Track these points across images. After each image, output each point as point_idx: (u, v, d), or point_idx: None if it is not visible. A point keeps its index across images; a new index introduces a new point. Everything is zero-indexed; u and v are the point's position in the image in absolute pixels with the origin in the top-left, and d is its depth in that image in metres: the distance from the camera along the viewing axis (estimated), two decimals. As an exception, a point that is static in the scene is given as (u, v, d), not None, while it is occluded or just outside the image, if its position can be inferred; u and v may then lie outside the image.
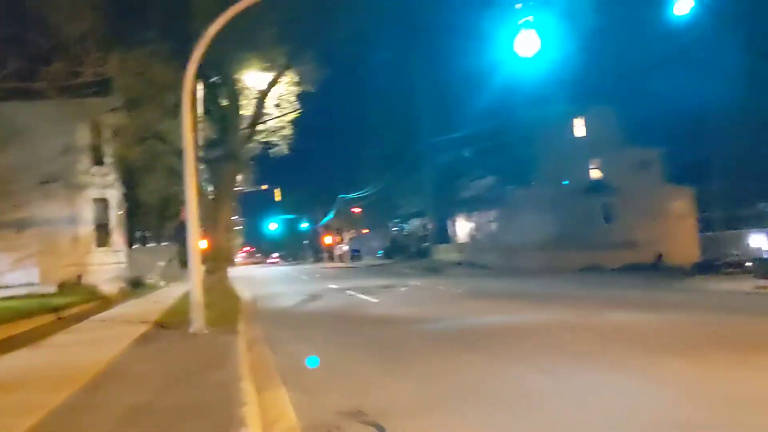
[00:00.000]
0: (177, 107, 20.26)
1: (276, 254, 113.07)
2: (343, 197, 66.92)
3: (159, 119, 19.36)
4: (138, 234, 40.91)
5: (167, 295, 22.55)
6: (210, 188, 22.57)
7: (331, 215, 72.78)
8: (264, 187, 48.65)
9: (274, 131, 23.92)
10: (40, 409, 5.68)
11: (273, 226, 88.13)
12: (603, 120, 43.30)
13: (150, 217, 38.13)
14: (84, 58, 13.74)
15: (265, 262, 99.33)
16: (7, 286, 18.92)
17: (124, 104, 19.65)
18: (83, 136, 24.06)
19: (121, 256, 27.29)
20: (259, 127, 22.94)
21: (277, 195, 63.62)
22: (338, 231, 77.42)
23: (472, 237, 52.08)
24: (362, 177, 58.49)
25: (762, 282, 20.09)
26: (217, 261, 19.08)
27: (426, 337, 11.40)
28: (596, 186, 43.55)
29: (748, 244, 30.38)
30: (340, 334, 12.27)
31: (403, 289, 23.19)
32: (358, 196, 61.60)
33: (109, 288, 21.55)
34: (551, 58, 17.62)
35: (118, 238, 26.39)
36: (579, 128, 44.02)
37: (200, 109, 19.51)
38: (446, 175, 46.39)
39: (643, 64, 44.97)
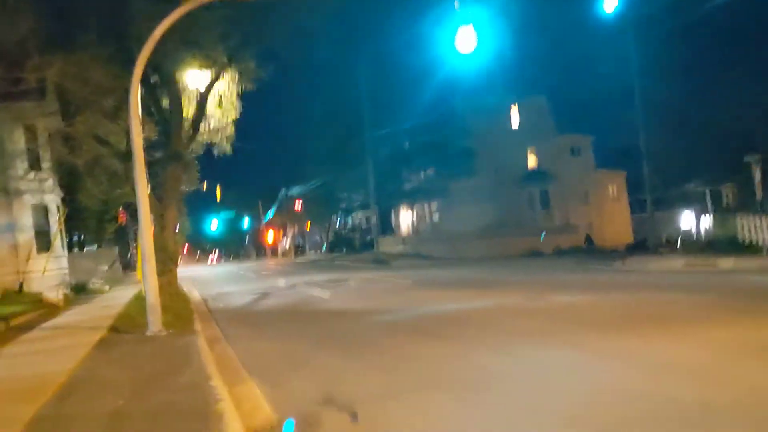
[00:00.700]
0: (117, 110, 20.08)
1: (215, 253, 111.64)
2: (285, 193, 66.66)
3: (99, 122, 19.05)
4: (75, 238, 39.99)
5: (114, 299, 22.26)
6: (149, 190, 22.25)
7: (273, 211, 72.38)
8: (204, 185, 47.91)
9: (216, 131, 23.75)
10: (16, 422, 5.77)
11: (214, 224, 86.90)
12: (537, 109, 44.63)
13: (89, 221, 37.30)
14: (24, 64, 13.49)
15: (206, 262, 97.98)
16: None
17: (62, 108, 19.27)
18: (18, 140, 23.47)
19: (63, 261, 26.73)
20: (202, 127, 22.73)
21: (218, 193, 62.84)
22: (281, 227, 77.10)
23: (415, 228, 52.84)
24: (304, 172, 58.50)
25: (691, 260, 21.31)
26: (165, 263, 18.90)
27: (383, 327, 11.79)
28: (533, 174, 44.90)
29: (678, 224, 31.97)
30: (297, 330, 12.51)
31: (352, 282, 23.50)
32: (300, 192, 61.48)
33: (53, 295, 21.09)
34: (487, 51, 18.18)
35: (58, 243, 25.85)
36: (515, 118, 45.21)
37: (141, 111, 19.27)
38: (388, 167, 46.88)
39: (573, 55, 46.52)
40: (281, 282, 27.36)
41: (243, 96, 23.61)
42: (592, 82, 47.55)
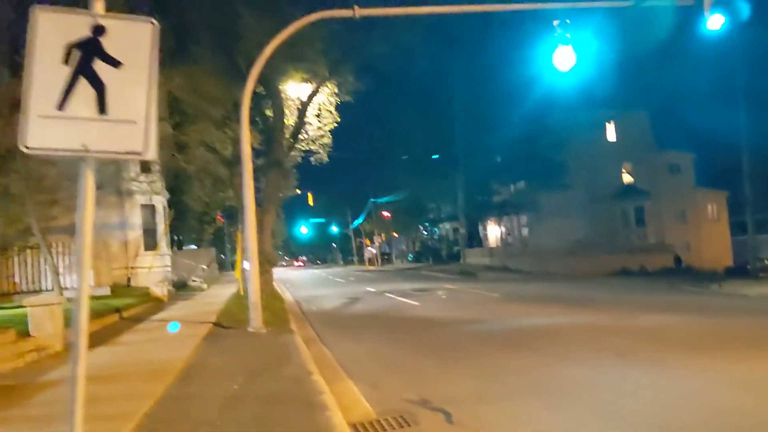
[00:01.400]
0: (225, 119, 21.34)
1: (302, 258, 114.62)
2: (374, 201, 67.73)
3: (208, 131, 20.33)
4: (175, 237, 42.29)
5: (213, 296, 23.57)
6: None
7: (361, 219, 73.66)
8: (297, 191, 49.47)
9: (314, 140, 24.77)
10: (149, 397, 6.54)
11: (304, 230, 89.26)
12: (634, 124, 43.54)
13: (191, 222, 39.39)
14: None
15: (292, 266, 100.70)
16: (66, 288, 19.94)
17: (172, 116, 20.60)
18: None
19: (167, 259, 28.42)
20: (300, 136, 23.79)
21: (310, 199, 64.64)
22: (369, 234, 78.32)
23: (503, 241, 52.51)
24: (394, 182, 59.26)
25: (795, 286, 20.37)
26: (262, 264, 19.90)
27: (473, 337, 12.09)
28: (628, 190, 43.75)
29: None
30: (390, 335, 12.98)
31: (440, 293, 23.84)
32: (389, 201, 62.34)
33: (158, 290, 22.56)
34: (586, 67, 18.06)
35: (164, 242, 27.54)
36: (611, 133, 44.29)
37: (247, 121, 20.43)
38: (478, 180, 46.82)
39: (677, 71, 45.10)
40: (370, 288, 28.03)
41: (339, 107, 24.61)
42: (696, 99, 45.98)
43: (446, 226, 66.45)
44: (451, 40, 39.86)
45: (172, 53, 17.17)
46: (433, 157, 46.83)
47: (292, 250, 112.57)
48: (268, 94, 21.24)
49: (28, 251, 22.07)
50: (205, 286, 30.46)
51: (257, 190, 21.41)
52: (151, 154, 3.27)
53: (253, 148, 22.79)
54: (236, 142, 21.82)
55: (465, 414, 6.29)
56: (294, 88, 22.90)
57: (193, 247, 43.70)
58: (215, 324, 13.78)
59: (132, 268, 25.33)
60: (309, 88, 22.39)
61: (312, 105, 23.40)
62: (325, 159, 25.39)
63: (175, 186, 29.83)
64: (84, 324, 3.27)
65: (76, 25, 3.23)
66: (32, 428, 5.76)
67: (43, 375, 8.28)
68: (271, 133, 21.11)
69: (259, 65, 13.37)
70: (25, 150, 3.09)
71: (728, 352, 9.26)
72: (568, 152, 40.21)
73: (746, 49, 29.00)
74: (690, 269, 36.53)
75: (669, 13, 16.40)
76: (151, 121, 3.27)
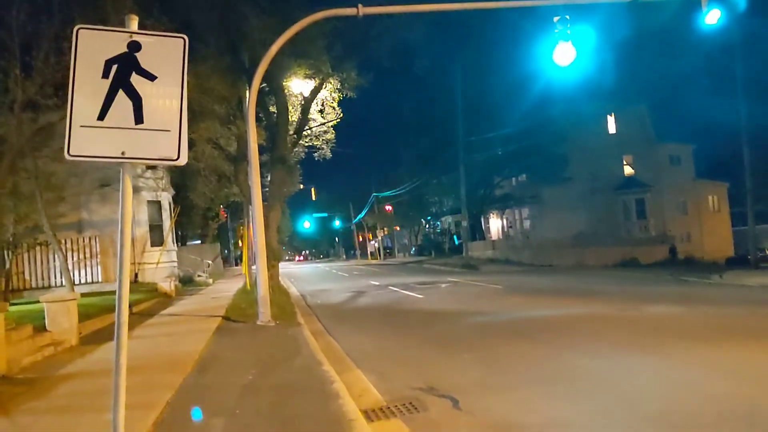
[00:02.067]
0: (230, 116, 21.61)
1: (303, 253, 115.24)
2: (377, 195, 68.01)
3: (213, 128, 20.59)
4: (180, 233, 42.60)
5: (219, 291, 23.88)
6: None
7: (363, 213, 73.96)
8: (300, 186, 49.79)
9: (317, 136, 25.06)
10: (169, 387, 6.85)
11: (307, 224, 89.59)
12: (635, 117, 43.74)
13: (195, 218, 39.66)
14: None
15: (294, 260, 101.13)
16: (76, 284, 20.26)
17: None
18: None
19: (173, 255, 28.74)
20: (304, 132, 24.07)
21: (313, 194, 64.98)
22: (371, 228, 78.66)
23: (506, 234, 52.81)
24: (396, 176, 59.55)
25: (794, 276, 20.63)
26: (268, 259, 20.21)
27: (478, 328, 12.37)
28: (629, 182, 43.99)
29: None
30: (395, 327, 13.28)
31: (443, 285, 24.12)
32: (391, 194, 62.62)
33: (166, 285, 22.84)
34: (586, 61, 18.25)
35: (171, 238, 27.85)
36: (611, 125, 44.51)
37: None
38: (480, 173, 47.14)
39: (673, 63, 45.21)
40: (373, 282, 28.33)
41: (342, 102, 24.90)
42: (695, 92, 46.11)
43: (448, 220, 66.75)
44: (453, 35, 40.25)
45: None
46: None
47: (295, 245, 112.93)
48: (272, 90, 21.50)
49: (38, 248, 22.40)
50: (210, 281, 30.78)
51: (262, 187, 21.76)
52: (183, 159, 3.55)
53: (257, 145, 23.15)
54: (241, 139, 22.17)
55: (472, 401, 6.59)
56: (297, 85, 23.16)
57: (198, 242, 43.99)
58: (224, 318, 14.08)
59: (139, 264, 25.63)
60: (312, 84, 22.66)
61: (315, 101, 23.68)
62: (329, 154, 25.73)
63: (181, 182, 30.13)
64: (125, 317, 3.56)
65: (114, 42, 3.51)
66: (60, 418, 6.05)
67: (61, 368, 8.57)
68: (275, 130, 21.36)
69: (264, 64, 13.62)
70: (68, 157, 3.38)
71: (728, 342, 9.56)
72: (569, 145, 40.48)
73: (746, 39, 29.20)
74: (691, 260, 36.82)
75: (667, 6, 16.62)
76: (183, 130, 3.55)
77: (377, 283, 27.14)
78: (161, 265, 25.96)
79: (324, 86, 23.23)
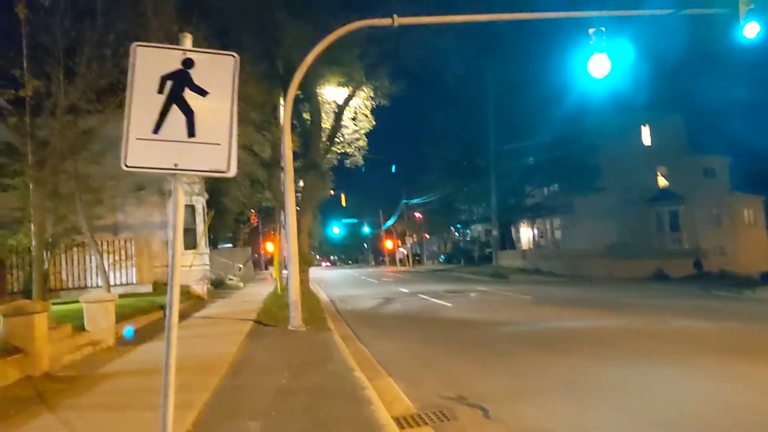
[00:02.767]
0: (264, 122, 21.92)
1: (332, 258, 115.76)
2: (406, 202, 68.10)
3: (248, 133, 20.93)
4: (212, 236, 43.20)
5: (250, 294, 24.20)
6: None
7: (393, 220, 74.10)
8: (331, 192, 50.15)
9: (350, 143, 25.29)
10: (206, 389, 7.04)
11: (336, 230, 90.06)
12: (670, 128, 43.24)
13: (227, 221, 40.23)
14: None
15: (320, 266, 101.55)
16: (112, 285, 20.70)
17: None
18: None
19: (206, 258, 29.14)
20: (336, 139, 24.33)
21: (343, 200, 65.32)
22: (400, 235, 78.76)
23: (536, 244, 52.50)
24: (426, 183, 59.58)
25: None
26: (301, 265, 20.47)
27: (507, 338, 12.40)
28: (662, 194, 43.46)
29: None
30: (424, 335, 13.36)
31: (472, 294, 24.12)
32: (421, 202, 62.68)
33: (198, 288, 23.23)
34: (621, 72, 18.14)
35: (204, 241, 28.26)
36: (645, 136, 44.04)
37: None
38: (511, 182, 46.99)
39: (711, 74, 44.64)
40: (402, 289, 28.41)
41: (374, 109, 25.11)
42: (733, 104, 45.45)
43: (478, 228, 66.58)
44: (486, 44, 40.15)
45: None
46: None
47: (324, 250, 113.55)
48: (306, 98, 21.79)
49: (74, 249, 22.95)
50: (241, 284, 31.16)
51: (295, 192, 22.06)
52: (233, 171, 3.72)
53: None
54: (274, 145, 22.50)
55: (501, 410, 6.66)
56: (331, 92, 23.45)
57: (229, 246, 44.55)
58: (256, 321, 14.29)
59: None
60: (345, 91, 22.92)
61: (348, 108, 23.95)
62: (361, 162, 25.93)
63: (214, 186, 30.59)
64: (175, 319, 3.74)
65: (169, 59, 3.70)
66: (103, 414, 6.27)
67: (101, 367, 8.82)
68: (308, 137, 21.67)
69: (300, 73, 13.85)
70: (124, 168, 3.57)
71: (759, 357, 9.47)
72: (603, 155, 40.17)
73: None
74: (724, 274, 36.20)
75: (705, 18, 16.46)
76: (233, 143, 3.72)
77: (406, 291, 27.23)
78: (194, 268, 26.34)
79: (357, 94, 23.49)
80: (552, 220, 49.22)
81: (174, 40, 3.99)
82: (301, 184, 22.80)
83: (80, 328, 10.95)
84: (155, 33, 16.13)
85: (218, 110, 3.76)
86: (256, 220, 50.79)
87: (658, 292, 25.22)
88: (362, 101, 24.49)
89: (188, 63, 3.72)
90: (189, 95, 3.69)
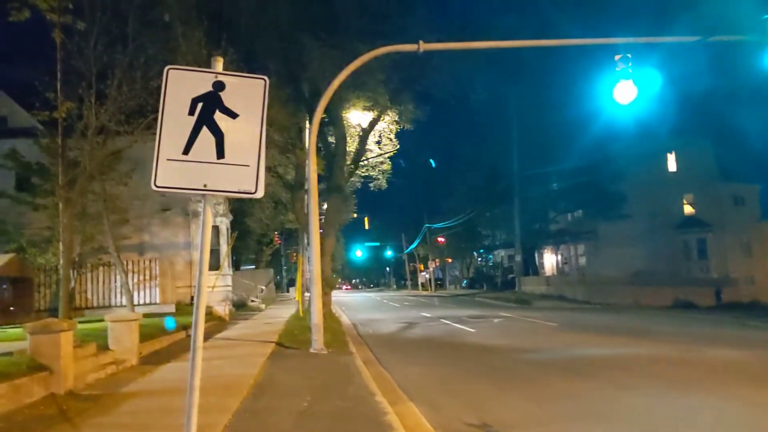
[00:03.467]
0: (288, 144, 22.12)
1: (353, 281, 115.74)
2: (429, 226, 68.00)
3: (274, 156, 21.14)
4: (234, 258, 43.46)
5: (272, 316, 24.24)
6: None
7: (416, 243, 73.98)
8: (354, 215, 50.27)
9: (374, 166, 25.43)
10: (226, 411, 7.02)
11: (359, 253, 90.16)
12: (696, 155, 42.80)
13: (250, 243, 40.47)
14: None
15: (340, 288, 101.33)
16: (136, 305, 20.91)
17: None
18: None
19: (229, 279, 29.31)
20: (361, 162, 24.47)
21: (366, 223, 65.52)
22: (422, 259, 78.54)
23: (560, 270, 52.00)
24: (449, 207, 59.50)
25: None
26: (322, 287, 20.47)
27: (532, 364, 12.25)
28: (689, 221, 42.88)
29: None
30: (447, 360, 13.24)
31: (496, 320, 23.89)
32: (443, 226, 62.54)
33: (221, 309, 23.33)
34: (648, 99, 18.00)
35: (227, 263, 28.44)
36: (672, 163, 43.62)
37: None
38: (534, 208, 46.77)
39: (740, 101, 44.18)
40: (425, 314, 28.25)
41: (399, 134, 25.26)
42: (762, 132, 44.88)
43: (501, 253, 66.16)
44: (510, 68, 40.18)
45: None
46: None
47: (346, 273, 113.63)
48: (331, 121, 21.98)
49: (100, 268, 23.25)
50: (263, 306, 31.26)
51: (318, 215, 22.15)
52: (260, 193, 3.76)
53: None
54: (299, 167, 22.68)
55: (525, 438, 6.55)
56: (355, 116, 23.65)
57: (252, 267, 44.75)
58: (278, 344, 14.29)
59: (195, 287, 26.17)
60: (370, 115, 23.09)
61: (373, 132, 24.11)
62: (384, 185, 26.07)
63: (238, 208, 30.85)
64: (200, 341, 3.76)
65: (200, 82, 3.77)
66: (125, 434, 6.29)
67: (124, 386, 8.87)
68: (332, 159, 21.80)
69: (326, 97, 13.96)
70: (154, 188, 3.61)
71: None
72: (628, 182, 39.85)
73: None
74: (756, 304, 35.46)
75: (734, 46, 16.34)
76: (261, 165, 3.76)
77: (428, 315, 27.07)
78: (216, 288, 26.47)
79: (382, 118, 23.65)
80: (576, 246, 48.77)
81: (202, 64, 4.06)
82: (325, 206, 22.90)
83: (104, 347, 11.04)
84: (184, 57, 16.46)
85: (247, 132, 3.80)
86: (279, 241, 51.02)
87: (686, 320, 24.75)
88: (387, 125, 24.66)
89: (219, 86, 3.77)
90: (219, 117, 3.75)
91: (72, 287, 20.14)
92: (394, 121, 24.25)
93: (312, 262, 14.01)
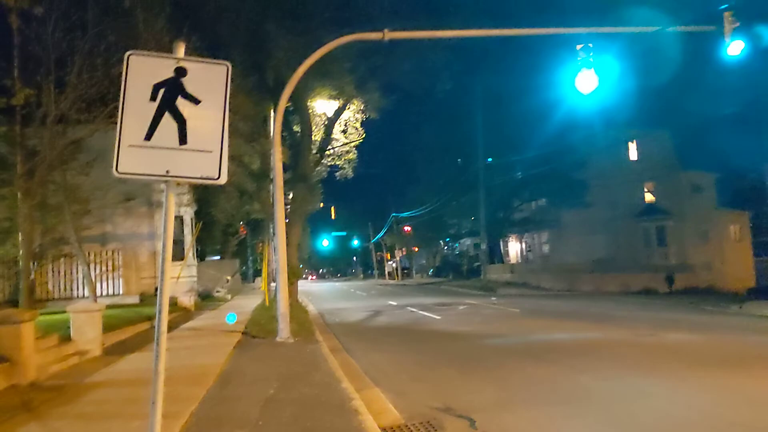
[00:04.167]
0: (253, 133, 21.94)
1: (320, 270, 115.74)
2: (396, 216, 68.19)
3: (239, 145, 20.93)
4: (199, 248, 42.99)
5: (238, 306, 24.09)
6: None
7: (382, 233, 74.14)
8: (320, 204, 50.12)
9: (340, 155, 25.38)
10: (193, 399, 7.03)
11: (326, 242, 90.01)
12: (657, 144, 43.57)
13: (215, 233, 40.05)
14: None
15: (308, 279, 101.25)
16: (99, 296, 20.58)
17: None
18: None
19: (194, 270, 29.04)
20: (327, 152, 24.40)
21: (332, 213, 65.40)
22: (389, 249, 78.78)
23: (524, 258, 52.66)
24: (415, 197, 59.72)
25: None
26: (288, 277, 20.43)
27: (494, 350, 12.44)
28: (649, 209, 43.72)
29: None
30: (412, 347, 13.36)
31: (461, 307, 24.14)
32: (410, 215, 62.79)
33: (186, 300, 23.13)
34: (608, 88, 18.29)
35: (191, 253, 28.17)
36: (633, 152, 44.38)
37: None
38: (499, 197, 47.24)
39: (698, 91, 45.15)
40: (391, 302, 28.40)
41: (364, 122, 25.23)
42: (719, 120, 45.90)
43: (467, 242, 66.71)
44: (475, 58, 40.50)
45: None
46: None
47: (313, 263, 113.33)
48: (296, 110, 21.86)
49: (61, 259, 22.80)
50: (229, 296, 31.06)
51: (284, 204, 22.05)
52: (224, 179, 3.77)
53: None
54: (264, 156, 22.51)
55: (488, 421, 6.68)
56: (321, 104, 23.54)
57: (217, 258, 44.35)
58: (244, 333, 14.28)
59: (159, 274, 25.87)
60: (336, 104, 23.01)
61: (339, 121, 24.05)
62: (350, 174, 26.04)
63: (203, 198, 30.50)
64: (164, 326, 3.76)
65: (161, 67, 3.75)
66: (90, 424, 6.24)
67: (87, 377, 8.78)
68: (298, 149, 21.69)
69: (291, 85, 13.92)
70: (116, 174, 3.60)
71: (744, 370, 9.55)
72: (590, 170, 40.47)
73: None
74: (711, 289, 36.42)
75: (694, 37, 16.67)
76: (224, 151, 3.77)
77: (395, 303, 27.22)
78: (181, 279, 26.21)
79: (347, 107, 23.59)
80: (540, 234, 49.39)
81: (164, 52, 4.04)
82: (291, 196, 22.81)
83: (67, 338, 10.90)
84: (146, 44, 16.18)
85: (210, 118, 3.80)
86: (245, 232, 50.60)
87: (645, 306, 25.33)
88: (353, 114, 24.62)
89: (181, 71, 3.77)
90: (181, 103, 3.74)
91: (32, 279, 19.73)
92: (360, 110, 24.22)
93: (278, 252, 13.99)
